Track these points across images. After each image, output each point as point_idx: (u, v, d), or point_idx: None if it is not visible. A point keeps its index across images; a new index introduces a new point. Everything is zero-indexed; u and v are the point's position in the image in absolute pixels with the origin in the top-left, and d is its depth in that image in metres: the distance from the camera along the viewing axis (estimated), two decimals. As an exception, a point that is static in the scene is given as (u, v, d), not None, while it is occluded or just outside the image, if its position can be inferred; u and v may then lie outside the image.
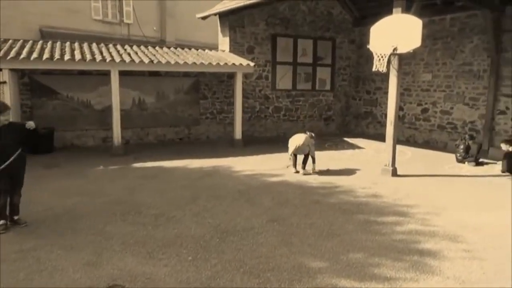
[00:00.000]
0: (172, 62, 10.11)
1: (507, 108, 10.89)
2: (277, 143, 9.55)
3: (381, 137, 13.78)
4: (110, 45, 11.40)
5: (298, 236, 4.86)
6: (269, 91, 13.62)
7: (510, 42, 10.65)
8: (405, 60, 13.16)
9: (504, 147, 9.45)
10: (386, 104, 14.26)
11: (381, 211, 5.87)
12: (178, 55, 11.12)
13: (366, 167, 8.93)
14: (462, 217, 5.69)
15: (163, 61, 10.06)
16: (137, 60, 9.77)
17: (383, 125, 14.23)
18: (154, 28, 19.42)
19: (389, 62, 7.97)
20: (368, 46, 8.01)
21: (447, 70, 12.19)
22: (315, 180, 7.63)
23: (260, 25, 13.21)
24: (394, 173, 8.12)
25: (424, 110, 12.90)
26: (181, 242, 4.58)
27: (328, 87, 14.57)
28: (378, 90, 14.19)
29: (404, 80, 13.33)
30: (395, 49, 7.65)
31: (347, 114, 15.29)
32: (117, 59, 9.52)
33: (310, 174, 8.06)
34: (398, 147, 12.02)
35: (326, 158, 9.65)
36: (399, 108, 13.65)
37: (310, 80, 14.14)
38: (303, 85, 14.04)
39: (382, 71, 7.81)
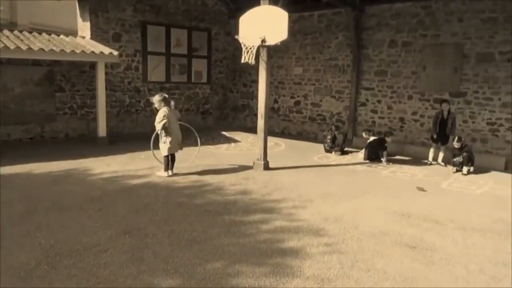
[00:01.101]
0: (12, 48, 8.43)
1: (367, 100, 11.83)
2: (149, 140, 8.70)
3: (256, 130, 13.95)
4: None
5: (153, 249, 4.22)
6: (140, 83, 12.54)
7: (369, 39, 11.54)
8: (278, 54, 13.44)
9: (365, 136, 10.20)
10: (262, 97, 14.51)
11: (248, 209, 5.58)
12: (22, 40, 9.36)
13: (240, 161, 8.69)
14: (326, 208, 5.74)
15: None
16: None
17: (260, 117, 14.40)
18: (1, 7, 16.43)
19: (258, 54, 7.78)
20: (236, 37, 7.68)
21: (316, 64, 12.74)
22: (184, 180, 7.05)
23: (127, 10, 12.02)
24: (266, 167, 8.02)
25: (297, 103, 13.34)
26: (-5, 275, 3.56)
27: (204, 79, 14.08)
28: (254, 83, 14.20)
29: (278, 74, 13.61)
30: (263, 40, 7.46)
31: (225, 107, 15.06)
32: None
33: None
34: (273, 139, 12.30)
35: (200, 154, 9.15)
36: (274, 100, 13.99)
37: (186, 72, 13.46)
38: (178, 77, 13.29)
39: (251, 63, 7.58)
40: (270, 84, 13.81)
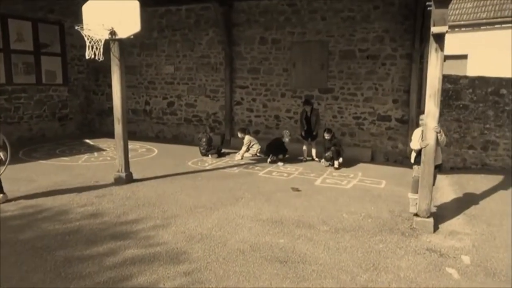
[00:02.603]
0: None
1: (242, 99, 11.46)
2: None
3: (128, 135, 12.52)
4: None
5: None
6: (-31, 86, 10.16)
7: (240, 36, 11.15)
8: (146, 52, 12.28)
9: (240, 135, 9.76)
10: (132, 98, 13.12)
11: (94, 238, 4.50)
12: None
13: (100, 174, 7.42)
14: (192, 224, 4.98)
15: None
16: None
17: (131, 121, 12.99)
18: None
19: (109, 49, 6.64)
20: (77, 28, 6.41)
21: (188, 62, 11.93)
22: (14, 207, 5.55)
23: None
24: (129, 179, 6.94)
25: (170, 104, 12.36)
26: None
27: (60, 80, 12.13)
28: (121, 83, 12.76)
29: (148, 73, 12.45)
30: (112, 33, 6.35)
31: (89, 111, 13.26)
32: None
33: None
34: (146, 144, 11.15)
35: (50, 169, 7.61)
36: (145, 102, 12.78)
37: (34, 72, 11.37)
38: (24, 78, 11.14)
39: (99, 59, 6.40)
40: (139, 85, 12.66)
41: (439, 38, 4.99)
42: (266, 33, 10.84)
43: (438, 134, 5.07)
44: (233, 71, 11.34)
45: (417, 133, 5.45)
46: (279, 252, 4.23)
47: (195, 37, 11.69)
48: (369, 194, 6.68)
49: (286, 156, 9.24)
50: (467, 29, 15.47)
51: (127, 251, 4.18)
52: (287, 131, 9.38)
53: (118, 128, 6.82)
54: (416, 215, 5.28)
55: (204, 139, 9.65)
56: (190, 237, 4.57)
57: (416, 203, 5.42)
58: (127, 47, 12.38)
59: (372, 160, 9.97)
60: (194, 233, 4.70)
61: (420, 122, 5.43)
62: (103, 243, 4.37)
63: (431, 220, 5.20)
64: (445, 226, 5.33)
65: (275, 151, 9.13)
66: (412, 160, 5.61)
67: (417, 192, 5.45)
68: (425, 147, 5.10)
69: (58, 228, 4.75)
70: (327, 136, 8.75)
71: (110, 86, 12.96)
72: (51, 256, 4.02)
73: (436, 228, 5.17)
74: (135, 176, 7.20)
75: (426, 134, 5.11)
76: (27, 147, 9.92)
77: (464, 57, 15.03)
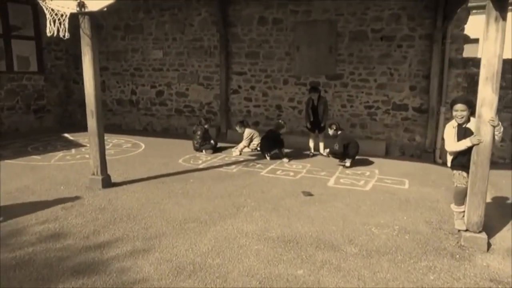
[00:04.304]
0: None
1: (240, 87, 10.27)
2: None
3: (113, 128, 11.38)
4: None
5: None
6: None
7: (236, 16, 9.91)
8: (131, 34, 11.02)
9: (239, 129, 8.63)
10: (116, 87, 11.87)
11: (49, 274, 3.33)
12: None
13: (73, 177, 6.24)
14: (182, 248, 3.84)
15: None
16: None
17: (116, 113, 11.78)
18: None
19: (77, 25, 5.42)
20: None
21: (178, 47, 10.69)
22: (-44, 223, 4.38)
23: None
24: (107, 183, 5.76)
25: (159, 93, 11.13)
26: None
27: (34, 67, 10.85)
28: (104, 70, 11.50)
29: (134, 59, 11.19)
30: (81, 4, 5.12)
31: (69, 102, 11.99)
32: None
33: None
34: (132, 138, 9.95)
35: (15, 172, 6.42)
36: (131, 91, 11.52)
37: (4, 58, 10.07)
38: (-8, 65, 9.87)
39: (64, 37, 5.19)
40: (124, 72, 11.36)
41: (501, 4, 3.83)
42: (266, 12, 9.61)
43: (496, 129, 3.95)
44: (229, 55, 10.13)
45: (449, 130, 4.30)
46: (300, 292, 3.12)
47: (186, 17, 10.43)
48: (395, 199, 5.58)
49: (284, 150, 8.09)
50: (477, 11, 14.30)
51: (89, 295, 3.03)
52: (282, 121, 8.25)
53: (91, 123, 5.61)
54: (465, 230, 4.20)
55: (199, 132, 8.48)
56: (179, 269, 3.43)
57: (463, 217, 4.34)
58: (110, 30, 11.11)
59: (387, 154, 8.89)
60: (184, 262, 3.57)
61: (455, 113, 4.26)
62: (58, 281, 3.22)
63: (483, 236, 4.11)
64: (498, 242, 4.25)
65: (271, 145, 7.97)
66: (449, 164, 4.46)
67: (461, 204, 4.37)
68: (477, 144, 3.99)
69: (3, 259, 3.58)
70: (331, 132, 7.58)
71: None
72: (-18, 307, 2.87)
73: (488, 245, 4.09)
74: (114, 179, 6.03)
75: (481, 128, 3.98)
76: (-5, 144, 8.71)
77: (475, 41, 13.88)
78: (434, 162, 8.46)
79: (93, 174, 5.73)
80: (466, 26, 8.30)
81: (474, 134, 4.03)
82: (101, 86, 11.55)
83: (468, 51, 8.87)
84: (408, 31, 8.61)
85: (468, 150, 4.11)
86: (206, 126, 8.65)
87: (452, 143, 4.24)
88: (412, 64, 8.67)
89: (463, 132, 4.18)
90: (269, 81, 9.89)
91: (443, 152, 8.58)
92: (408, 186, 6.31)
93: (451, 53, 8.30)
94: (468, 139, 4.06)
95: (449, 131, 4.29)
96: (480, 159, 4.02)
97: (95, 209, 4.86)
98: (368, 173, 7.06)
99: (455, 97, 5.17)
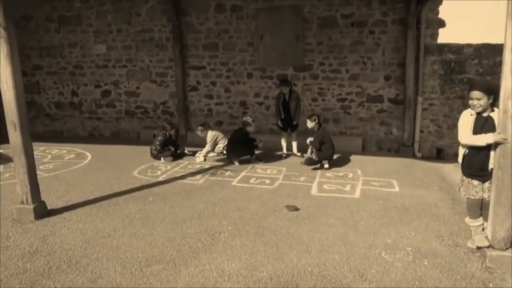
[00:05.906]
0: None
1: (198, 83, 9.18)
2: None
3: (52, 136, 9.88)
4: None
5: None
6: None
7: (190, 3, 8.77)
8: (68, 27, 9.53)
9: (201, 133, 7.59)
10: (53, 88, 10.26)
11: None
12: None
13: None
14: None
15: None
16: None
17: (55, 118, 10.25)
18: None
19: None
20: None
21: (125, 39, 9.37)
22: None
23: None
24: (41, 213, 4.53)
25: (105, 93, 9.76)
26: None
27: None
28: (37, 69, 9.94)
29: (72, 55, 9.72)
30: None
31: (-3, 108, 10.27)
32: None
33: None
34: (76, 147, 8.51)
35: None
36: (72, 92, 10.02)
37: None
38: None
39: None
40: (62, 70, 9.83)
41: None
42: (224, -2, 8.58)
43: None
44: (184, 48, 8.99)
45: (465, 118, 3.56)
46: None
47: (131, 5, 9.13)
48: (391, 207, 4.85)
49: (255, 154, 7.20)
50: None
51: None
52: (249, 118, 7.27)
53: (15, 137, 4.34)
54: (487, 246, 3.52)
55: (160, 137, 7.33)
56: None
57: (482, 230, 3.66)
58: (42, 22, 9.55)
59: (363, 150, 8.25)
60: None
61: (470, 101, 3.52)
62: None
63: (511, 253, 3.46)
64: (523, 257, 3.59)
65: (239, 149, 7.01)
66: (460, 160, 3.73)
67: (478, 217, 3.69)
68: (501, 142, 3.28)
69: None
70: (309, 124, 6.74)
71: (24, 74, 10.16)
72: None
73: (516, 263, 3.43)
74: (52, 205, 4.83)
75: (506, 124, 3.27)
76: None
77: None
78: (414, 156, 7.94)
79: (22, 202, 4.48)
80: (440, 9, 7.77)
81: (498, 130, 3.32)
82: (35, 88, 10.10)
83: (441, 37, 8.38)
84: (380, 15, 7.95)
85: (484, 149, 3.41)
86: (171, 133, 7.53)
87: (466, 135, 3.48)
88: (386, 51, 8.04)
89: (483, 123, 3.45)
90: (231, 75, 8.89)
91: (423, 145, 8.08)
92: (399, 189, 5.64)
93: (426, 39, 7.76)
94: (491, 134, 3.33)
95: (465, 119, 3.54)
96: (507, 163, 3.33)
97: (23, 254, 3.67)
98: (351, 175, 6.33)
99: (473, 80, 4.43)
